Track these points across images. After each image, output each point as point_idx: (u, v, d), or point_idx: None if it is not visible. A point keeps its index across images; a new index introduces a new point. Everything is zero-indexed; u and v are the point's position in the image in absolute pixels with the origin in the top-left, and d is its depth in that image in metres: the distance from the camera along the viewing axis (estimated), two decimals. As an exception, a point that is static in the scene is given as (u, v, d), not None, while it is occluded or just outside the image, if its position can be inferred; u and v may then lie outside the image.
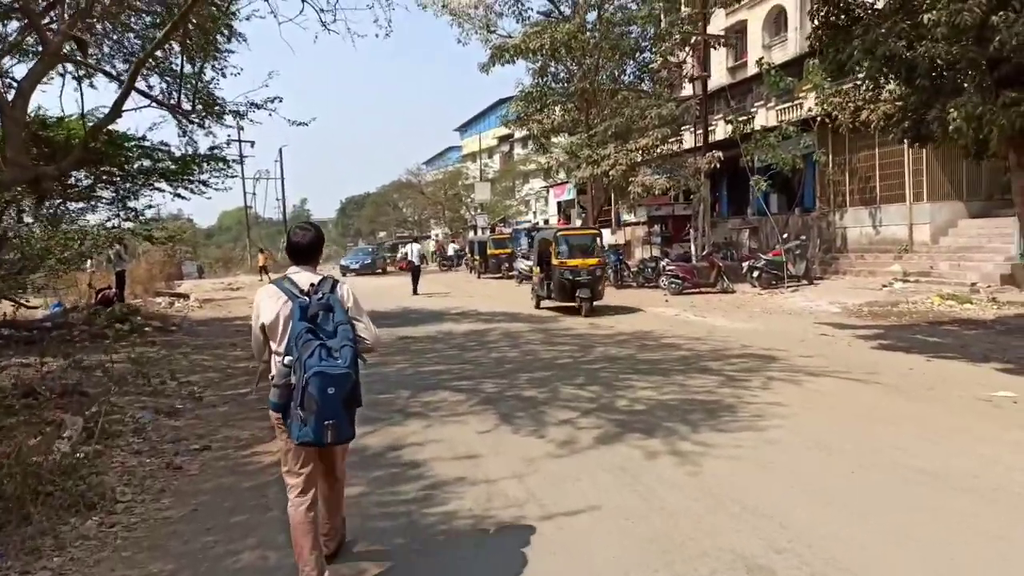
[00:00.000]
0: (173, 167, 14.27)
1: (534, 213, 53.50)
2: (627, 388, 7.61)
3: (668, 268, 19.92)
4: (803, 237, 20.71)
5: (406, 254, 27.45)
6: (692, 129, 23.79)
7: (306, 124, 13.48)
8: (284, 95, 12.78)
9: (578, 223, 42.24)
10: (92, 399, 7.24)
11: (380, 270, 41.35)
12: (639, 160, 20.45)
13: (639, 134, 21.21)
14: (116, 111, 9.69)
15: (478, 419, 6.57)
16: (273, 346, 3.43)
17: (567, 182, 46.66)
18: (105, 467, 5.42)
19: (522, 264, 26.46)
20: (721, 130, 27.60)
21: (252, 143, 56.28)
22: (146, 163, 14.07)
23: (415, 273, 23.43)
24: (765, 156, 21.56)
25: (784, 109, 26.52)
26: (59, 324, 13.66)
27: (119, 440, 6.24)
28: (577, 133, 21.69)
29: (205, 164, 14.44)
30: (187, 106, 11.82)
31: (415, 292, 22.34)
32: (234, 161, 14.60)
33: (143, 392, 7.98)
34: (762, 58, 22.34)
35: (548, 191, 50.00)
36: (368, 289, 24.76)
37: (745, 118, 22.25)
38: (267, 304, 3.43)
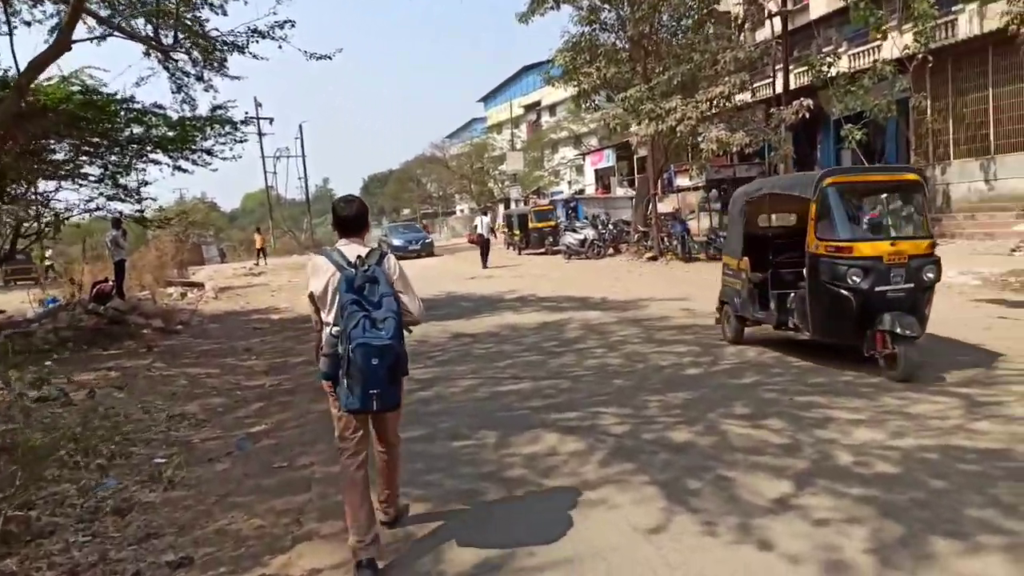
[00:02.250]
0: (170, 133, 11.81)
1: (568, 183, 50.55)
2: (827, 423, 5.01)
3: (749, 237, 17.09)
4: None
5: (476, 226, 25.66)
6: (771, 74, 20.76)
7: (329, 57, 10.93)
8: (301, 70, 10.18)
9: (619, 192, 39.46)
10: (21, 455, 4.83)
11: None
12: (711, 113, 17.55)
13: (709, 83, 18.27)
14: (62, 44, 7.17)
15: (628, 497, 4.00)
16: (323, 316, 3.48)
17: (605, 148, 43.72)
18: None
19: (570, 238, 23.79)
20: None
21: (271, 120, 53.84)
22: (137, 130, 11.62)
23: (485, 247, 23.09)
24: (854, 103, 18.61)
25: (859, 53, 23.38)
26: (42, 327, 11.36)
27: (41, 545, 3.83)
28: (634, 86, 18.76)
29: (208, 128, 11.95)
30: (167, 41, 9.25)
31: (485, 266, 22.29)
32: (242, 123, 12.08)
33: (102, 447, 5.49)
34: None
35: (584, 159, 46.97)
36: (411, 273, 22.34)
37: (829, 60, 19.17)
38: (317, 275, 3.47)
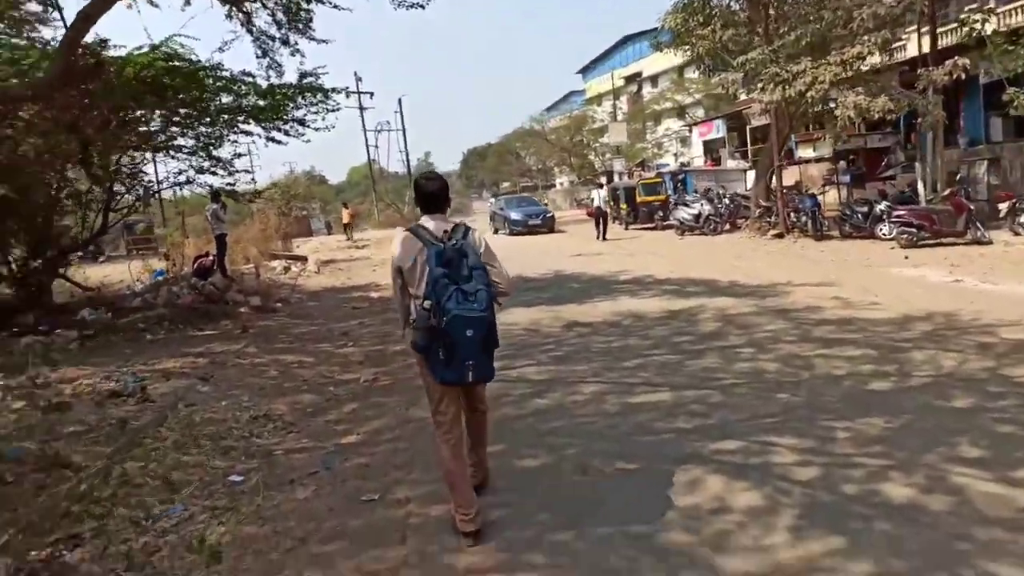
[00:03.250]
0: (261, 103, 11.17)
1: (675, 156, 48.15)
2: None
3: (897, 213, 15.04)
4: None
5: (593, 199, 24.81)
6: (908, 35, 18.23)
7: (422, 6, 9.90)
8: (394, 40, 9.22)
9: (730, 164, 36.95)
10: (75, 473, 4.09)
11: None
12: (846, 76, 15.44)
13: (842, 44, 16.11)
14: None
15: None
16: (412, 291, 3.47)
17: (714, 119, 41.12)
18: None
19: (683, 212, 22.10)
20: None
21: (371, 94, 53.98)
22: (227, 99, 11.03)
23: (603, 219, 22.70)
24: (1013, 64, 15.95)
25: (1009, 11, 20.21)
26: (146, 304, 11.10)
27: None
28: (755, 49, 16.80)
29: (299, 96, 11.23)
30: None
31: (603, 238, 22.16)
32: (333, 90, 11.26)
33: (169, 458, 4.72)
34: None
35: (690, 130, 44.46)
36: (514, 247, 21.42)
37: (982, 16, 16.49)
38: (404, 250, 3.46)
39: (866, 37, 15.15)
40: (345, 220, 33.44)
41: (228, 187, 12.11)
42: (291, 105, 11.49)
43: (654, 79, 58.05)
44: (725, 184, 29.48)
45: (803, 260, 14.02)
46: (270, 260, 19.02)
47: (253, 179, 14.97)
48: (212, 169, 11.59)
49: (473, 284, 3.28)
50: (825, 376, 5.76)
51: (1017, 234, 14.53)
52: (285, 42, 10.32)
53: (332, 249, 26.02)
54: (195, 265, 13.43)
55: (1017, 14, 18.76)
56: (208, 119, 11.34)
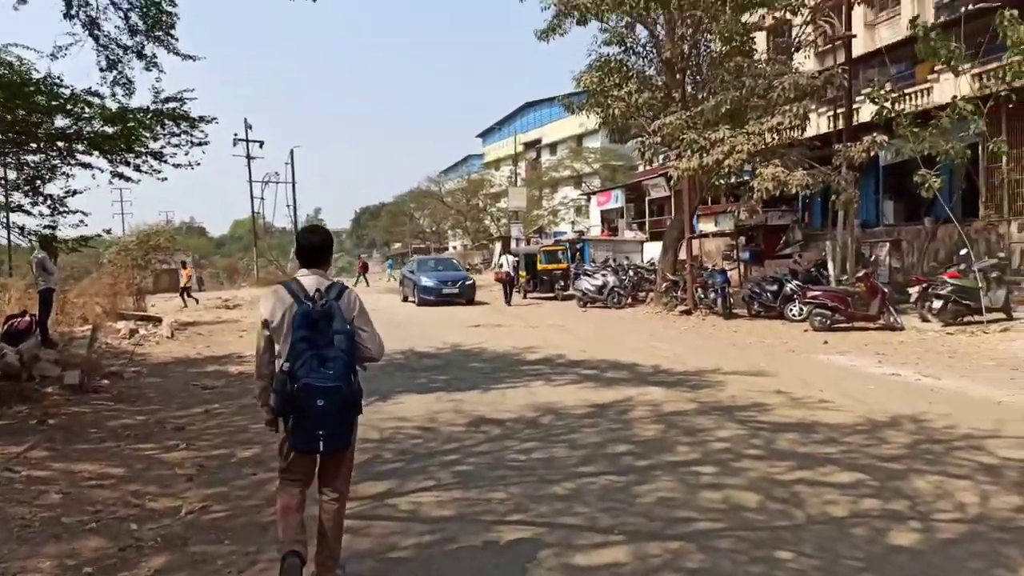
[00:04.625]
0: (108, 130, 9.05)
1: (572, 224, 48.15)
2: None
3: (812, 294, 14.46)
4: (1002, 254, 15.18)
5: (501, 264, 23.55)
6: (832, 107, 18.32)
7: None
8: (295, 96, 7.53)
9: (628, 234, 36.89)
10: None
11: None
12: (765, 147, 15.03)
13: (759, 113, 15.80)
14: None
15: None
16: (276, 347, 3.34)
17: (613, 188, 41.31)
18: None
19: (586, 283, 21.07)
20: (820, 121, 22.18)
21: (261, 143, 51.14)
22: (62, 122, 8.85)
23: (509, 285, 22.59)
24: (920, 146, 16.15)
25: (917, 92, 21.09)
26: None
27: None
28: (672, 113, 16.24)
29: (159, 125, 9.20)
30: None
31: (508, 303, 22.05)
32: (202, 120, 9.29)
33: None
34: (916, 16, 16.95)
35: (589, 199, 44.56)
36: (401, 315, 19.44)
37: (895, 94, 16.74)
38: (275, 305, 3.34)
39: (786, 107, 14.79)
40: (183, 282, 26.84)
41: (45, 231, 9.72)
42: (147, 135, 9.43)
43: (553, 147, 58.82)
44: (621, 254, 29.10)
45: (720, 342, 13.03)
46: (117, 320, 16.22)
47: (108, 229, 12.47)
48: (29, 208, 9.20)
49: (332, 350, 3.15)
50: (826, 519, 4.31)
51: (926, 320, 14.22)
52: (140, 54, 8.31)
53: (197, 309, 23.15)
54: (7, 325, 10.72)
55: (924, 95, 19.36)
56: (38, 145, 9.08)
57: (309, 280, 3.37)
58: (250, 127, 46.94)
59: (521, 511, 4.56)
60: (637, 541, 4.03)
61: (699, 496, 4.73)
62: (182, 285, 26.52)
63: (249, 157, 47.12)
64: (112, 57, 8.31)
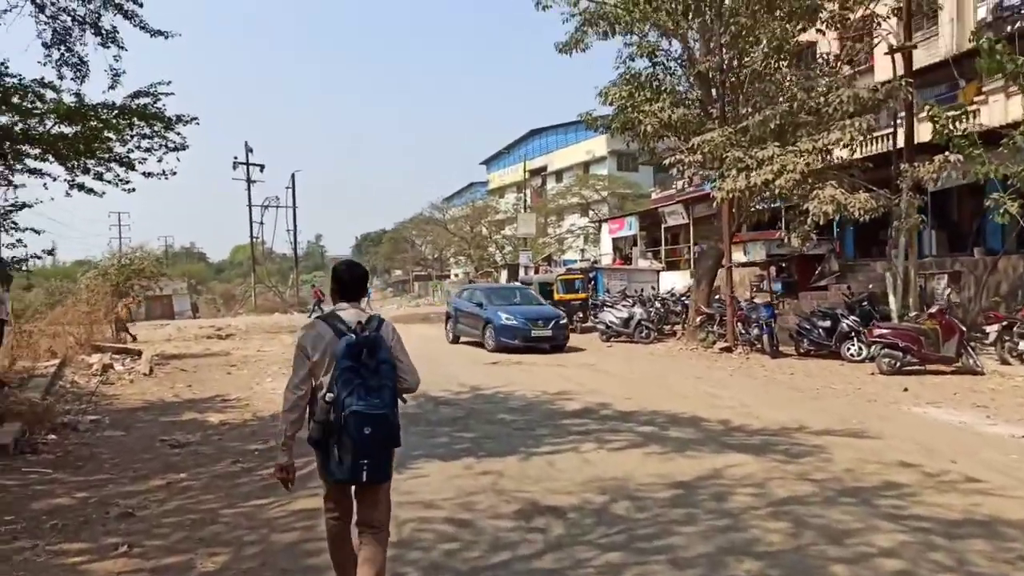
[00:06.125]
0: (65, 130, 7.38)
1: (582, 251, 46.59)
2: None
3: (879, 332, 12.69)
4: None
5: None
6: (894, 122, 16.71)
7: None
8: (296, 120, 5.90)
9: (643, 263, 35.17)
10: None
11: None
12: (822, 165, 13.40)
13: (813, 128, 14.18)
14: None
15: None
16: (314, 381, 3.30)
17: (627, 216, 39.72)
18: None
19: (611, 315, 19.29)
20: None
21: (262, 167, 49.69)
22: (4, 119, 7.18)
23: None
24: (987, 168, 14.53)
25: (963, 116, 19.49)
26: None
27: None
28: (710, 130, 14.66)
29: (127, 124, 7.53)
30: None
31: None
32: (180, 120, 7.62)
33: None
34: (979, 29, 15.47)
35: (600, 226, 42.98)
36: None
37: (956, 113, 15.13)
38: (315, 340, 3.30)
39: (847, 122, 13.16)
40: (121, 314, 20.60)
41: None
42: (113, 137, 7.76)
43: (559, 174, 57.63)
44: (634, 284, 27.39)
45: (781, 387, 11.23)
46: (91, 354, 14.44)
47: (51, 250, 10.80)
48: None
49: (378, 379, 3.14)
50: None
51: (1006, 363, 12.48)
52: (96, 28, 6.63)
53: (186, 339, 21.35)
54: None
55: (971, 118, 17.72)
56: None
57: (348, 314, 3.38)
58: (251, 150, 45.65)
59: None
60: None
61: None
62: (119, 317, 20.48)
63: (249, 181, 45.75)
64: (59, 29, 6.65)
